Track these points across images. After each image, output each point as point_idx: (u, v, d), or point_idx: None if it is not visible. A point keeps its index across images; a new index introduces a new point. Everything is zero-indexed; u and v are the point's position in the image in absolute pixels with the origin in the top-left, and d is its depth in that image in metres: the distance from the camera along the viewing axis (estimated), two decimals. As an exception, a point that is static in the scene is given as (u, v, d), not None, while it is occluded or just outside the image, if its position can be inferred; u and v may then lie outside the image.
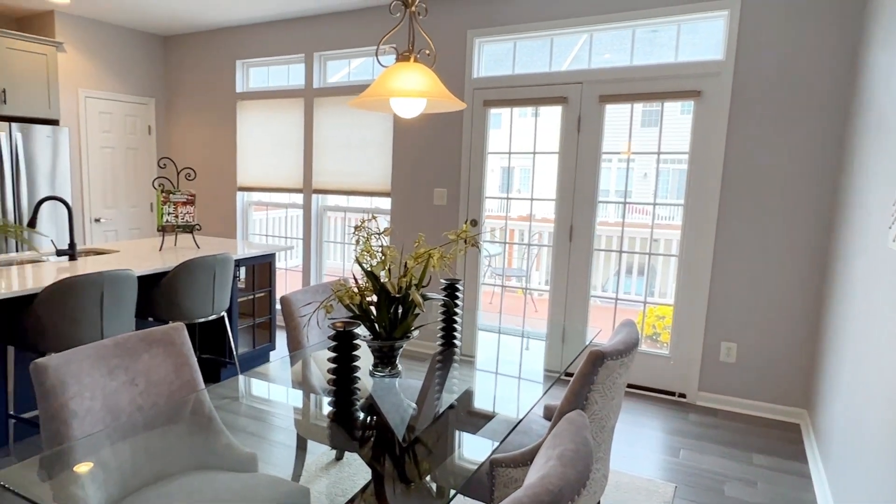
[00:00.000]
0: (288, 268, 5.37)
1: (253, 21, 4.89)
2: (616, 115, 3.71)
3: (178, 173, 3.60)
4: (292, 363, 2.21)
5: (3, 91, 4.33)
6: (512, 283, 5.72)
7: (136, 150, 5.39)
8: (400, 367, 1.93)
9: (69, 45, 4.80)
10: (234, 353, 3.52)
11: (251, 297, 3.96)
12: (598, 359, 1.58)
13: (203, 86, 5.35)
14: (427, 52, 2.02)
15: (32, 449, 2.82)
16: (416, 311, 1.79)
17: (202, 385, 1.88)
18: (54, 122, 4.69)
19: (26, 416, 2.82)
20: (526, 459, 1.69)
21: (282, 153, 4.94)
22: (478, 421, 1.75)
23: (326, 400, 1.83)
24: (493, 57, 4.09)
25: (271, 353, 4.19)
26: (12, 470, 1.36)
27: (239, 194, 5.24)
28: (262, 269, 4.02)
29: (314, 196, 4.83)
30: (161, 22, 5.00)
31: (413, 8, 1.87)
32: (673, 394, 3.69)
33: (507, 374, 2.19)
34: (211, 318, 3.22)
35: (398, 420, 1.71)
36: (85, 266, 3.01)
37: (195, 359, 1.90)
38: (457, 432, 1.70)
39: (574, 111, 3.76)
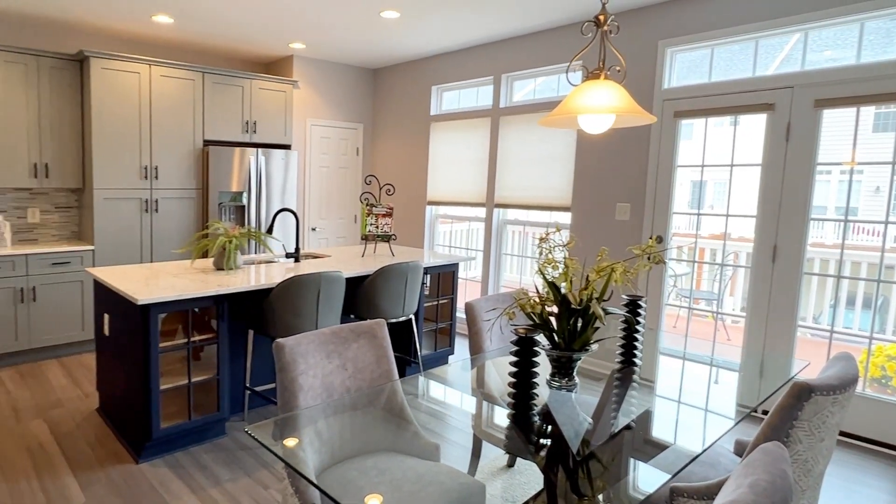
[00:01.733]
0: (468, 278, 5.65)
1: (448, 50, 5.30)
2: (836, 121, 3.23)
3: (381, 189, 4.06)
4: (473, 366, 2.35)
5: (255, 123, 5.32)
6: (701, 307, 5.26)
7: (346, 170, 6.18)
8: (577, 379, 1.94)
9: (302, 82, 5.72)
10: (419, 353, 3.82)
11: (435, 303, 4.26)
12: (804, 391, 1.42)
13: (402, 111, 5.94)
14: (618, 68, 2.01)
15: (260, 416, 3.40)
16: (596, 324, 1.79)
17: (397, 376, 2.10)
18: (287, 147, 5.62)
19: (258, 388, 3.42)
20: (711, 492, 1.58)
21: (467, 170, 5.26)
22: (653, 449, 1.68)
23: (504, 404, 1.91)
24: (687, 65, 3.86)
25: (450, 357, 4.45)
26: (257, 427, 1.68)
27: (428, 208, 5.69)
28: (445, 277, 4.31)
29: (495, 210, 5.04)
30: (372, 57, 5.69)
31: (605, 27, 1.89)
32: (909, 451, 3.06)
33: (690, 403, 2.05)
34: (401, 319, 3.55)
35: (573, 433, 1.72)
36: (306, 267, 3.55)
37: (392, 352, 2.13)
38: (632, 454, 1.65)
39: (782, 118, 3.37)
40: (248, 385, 3.32)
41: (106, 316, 3.20)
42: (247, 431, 1.64)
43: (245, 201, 5.20)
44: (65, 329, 4.43)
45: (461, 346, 4.90)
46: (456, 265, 4.28)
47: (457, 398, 2.16)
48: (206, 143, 5.10)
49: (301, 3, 3.96)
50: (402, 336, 4.17)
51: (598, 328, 1.83)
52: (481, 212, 5.19)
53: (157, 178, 4.80)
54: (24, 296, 4.22)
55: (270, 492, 2.57)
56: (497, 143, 4.98)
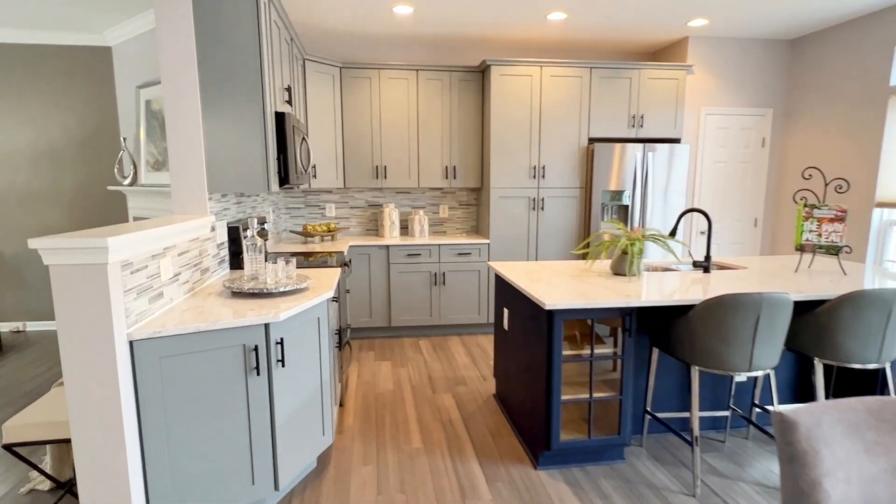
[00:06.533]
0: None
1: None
2: None
3: (826, 186, 2.88)
4: None
5: (641, 117, 4.70)
6: None
7: (747, 164, 4.98)
8: None
9: (697, 66, 4.82)
10: None
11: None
12: None
13: (836, 86, 4.39)
14: None
15: (659, 444, 2.77)
16: None
17: None
18: (676, 141, 4.82)
19: (660, 415, 2.80)
20: None
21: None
22: None
23: None
24: None
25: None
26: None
27: (875, 211, 4.03)
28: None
29: None
30: (792, 23, 4.36)
31: None
32: None
33: None
34: (870, 366, 2.38)
35: None
36: (719, 281, 2.73)
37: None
38: None
39: None
40: (648, 409, 2.74)
41: (505, 311, 3.09)
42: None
43: (628, 200, 4.65)
44: (465, 311, 4.74)
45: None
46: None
47: None
48: (591, 140, 4.75)
49: (728, -40, 3.10)
50: (864, 388, 2.92)
51: None
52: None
53: (543, 177, 4.69)
54: (437, 279, 4.65)
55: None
56: None
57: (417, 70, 4.68)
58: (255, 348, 1.99)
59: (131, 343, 1.79)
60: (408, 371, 3.90)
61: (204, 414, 1.94)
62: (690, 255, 3.08)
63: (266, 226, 3.61)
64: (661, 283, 2.72)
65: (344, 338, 3.52)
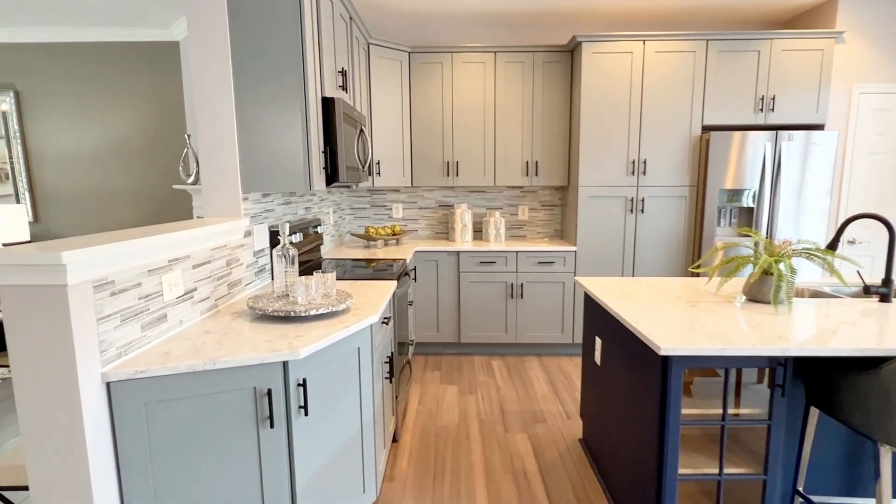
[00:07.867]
0: None
1: None
2: None
3: None
4: None
5: (772, 99, 3.81)
6: None
7: (917, 154, 3.92)
8: None
9: (850, 32, 3.83)
10: None
11: None
12: None
13: None
14: None
15: (806, 541, 2.01)
16: None
17: None
18: (818, 128, 3.87)
19: (814, 499, 2.03)
20: None
21: None
22: None
23: None
24: None
25: None
26: None
27: None
28: None
29: None
30: None
31: None
32: None
33: None
34: None
35: None
36: (919, 318, 1.92)
37: None
38: None
39: None
40: (799, 489, 1.99)
41: (598, 340, 2.44)
42: None
43: (751, 201, 3.78)
44: (545, 329, 4.11)
45: None
46: None
47: None
48: (705, 128, 3.93)
49: None
50: None
51: None
52: None
53: (644, 173, 3.94)
54: (514, 291, 4.06)
55: None
56: None
57: (495, 52, 4.10)
58: (269, 392, 1.53)
59: (108, 385, 1.38)
60: (477, 400, 3.35)
61: (202, 475, 1.51)
62: (860, 276, 2.27)
63: (319, 229, 3.21)
64: (825, 317, 1.96)
65: (404, 357, 3.03)
